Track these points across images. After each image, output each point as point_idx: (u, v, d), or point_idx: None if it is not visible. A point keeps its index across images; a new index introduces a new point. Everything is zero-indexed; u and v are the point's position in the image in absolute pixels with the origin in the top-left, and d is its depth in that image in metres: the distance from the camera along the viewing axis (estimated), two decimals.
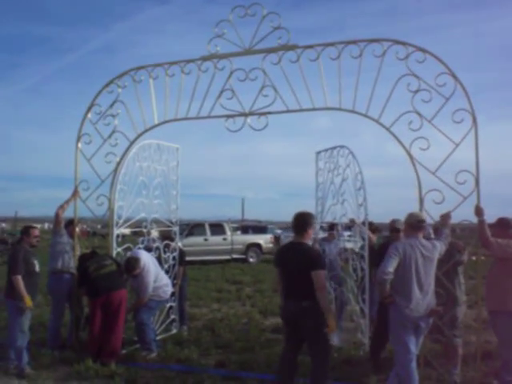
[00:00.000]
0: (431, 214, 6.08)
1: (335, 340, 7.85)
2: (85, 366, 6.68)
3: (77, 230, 7.58)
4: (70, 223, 7.66)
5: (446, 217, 5.95)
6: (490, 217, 6.31)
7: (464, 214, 6.19)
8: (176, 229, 8.72)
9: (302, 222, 5.44)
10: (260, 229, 27.85)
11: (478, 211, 5.79)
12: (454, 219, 6.14)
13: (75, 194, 7.59)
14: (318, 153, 8.64)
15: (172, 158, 8.57)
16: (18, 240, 7.20)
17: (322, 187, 8.50)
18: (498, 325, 5.89)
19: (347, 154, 7.80)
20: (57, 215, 7.51)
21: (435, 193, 5.94)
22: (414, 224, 5.41)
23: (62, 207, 7.49)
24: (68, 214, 7.70)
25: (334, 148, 8.15)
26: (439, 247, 5.46)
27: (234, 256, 23.26)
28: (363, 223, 7.46)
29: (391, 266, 5.18)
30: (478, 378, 6.06)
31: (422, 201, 6.03)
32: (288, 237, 26.91)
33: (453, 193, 5.92)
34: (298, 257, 5.27)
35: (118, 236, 7.50)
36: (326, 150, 8.41)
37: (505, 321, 5.77)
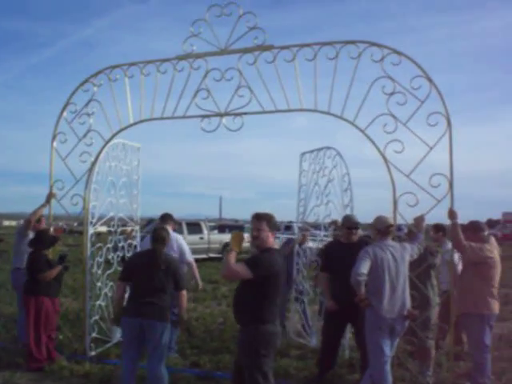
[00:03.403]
0: (405, 217, 6.09)
1: (313, 342, 7.90)
2: (58, 365, 6.66)
3: (51, 229, 7.50)
4: (37, 220, 7.59)
5: (419, 220, 5.98)
6: (465, 218, 6.37)
7: (438, 216, 6.23)
8: (137, 228, 8.68)
9: None
10: (237, 228, 27.54)
11: (452, 214, 5.82)
12: (428, 221, 6.19)
13: (49, 199, 7.52)
14: (303, 154, 8.60)
15: (134, 158, 8.55)
16: None
17: (305, 188, 8.48)
18: (469, 327, 5.95)
19: (334, 155, 7.80)
20: (29, 221, 7.45)
21: (409, 195, 5.94)
22: (383, 230, 5.43)
23: (35, 213, 7.43)
24: (44, 211, 7.64)
25: (320, 149, 8.14)
26: (410, 249, 5.50)
27: (211, 255, 23.27)
28: None
29: (364, 267, 5.20)
30: (451, 380, 6.11)
31: (395, 203, 6.04)
32: None
33: (427, 195, 5.93)
34: None
35: (92, 235, 7.45)
36: (312, 151, 8.38)
37: (476, 323, 5.84)
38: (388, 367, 5.31)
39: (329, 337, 6.34)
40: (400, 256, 5.37)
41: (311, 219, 8.40)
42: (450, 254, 6.37)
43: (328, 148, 7.97)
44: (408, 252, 5.47)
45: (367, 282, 5.24)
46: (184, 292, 5.52)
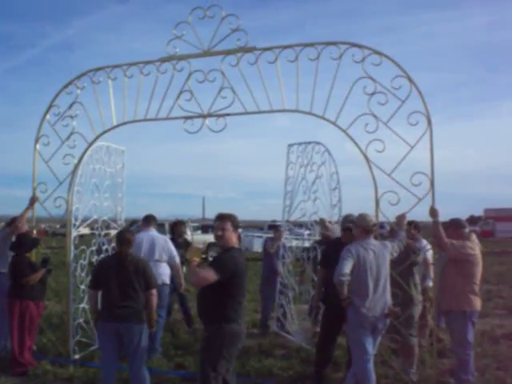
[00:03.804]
0: (387, 215, 6.14)
1: (298, 338, 7.92)
2: (42, 368, 6.62)
3: (34, 231, 7.47)
4: (13, 221, 7.53)
5: (401, 218, 6.03)
6: (447, 215, 6.43)
7: (420, 214, 6.28)
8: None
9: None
10: None
11: (433, 212, 5.87)
12: (410, 219, 6.25)
13: (32, 203, 7.48)
14: (291, 145, 8.59)
15: (119, 161, 8.55)
16: None
17: (292, 181, 8.46)
18: (452, 324, 5.99)
19: (323, 152, 7.79)
20: (16, 227, 7.35)
21: (391, 194, 5.99)
22: (367, 228, 5.46)
23: (21, 218, 7.39)
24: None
25: (309, 143, 8.14)
26: (390, 247, 5.54)
27: None
28: (336, 223, 7.46)
29: (347, 267, 5.22)
30: (434, 377, 6.15)
31: (377, 202, 6.09)
32: (248, 236, 26.89)
33: (408, 194, 5.98)
34: None
35: (75, 238, 7.43)
36: (300, 144, 8.36)
37: (459, 320, 5.87)
38: (371, 365, 5.34)
39: (327, 336, 6.33)
40: (382, 255, 5.41)
41: (298, 214, 8.39)
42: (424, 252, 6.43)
43: (317, 143, 7.96)
44: (388, 250, 5.51)
45: (349, 280, 5.27)
46: (153, 291, 5.49)
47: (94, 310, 5.63)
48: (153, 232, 7.52)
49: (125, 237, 5.54)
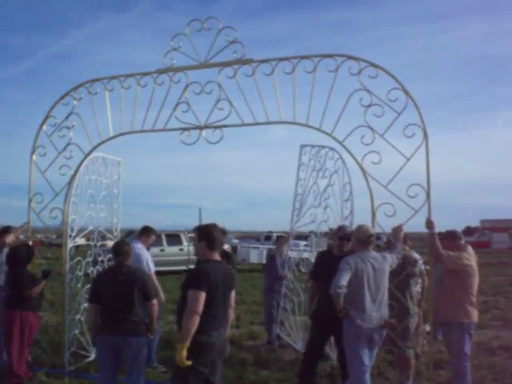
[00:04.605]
0: (383, 227, 6.16)
1: (299, 346, 7.88)
2: (38, 380, 6.58)
3: (30, 242, 7.46)
4: (5, 231, 7.50)
5: (397, 229, 6.04)
6: (443, 226, 6.45)
7: (416, 226, 6.30)
8: None
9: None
10: None
11: (429, 224, 5.88)
12: (407, 230, 6.26)
13: (24, 226, 7.55)
14: (303, 146, 8.46)
15: (115, 172, 8.57)
16: None
17: (303, 183, 8.35)
18: (449, 336, 5.98)
19: (336, 159, 7.63)
20: (4, 243, 7.34)
21: (387, 206, 6.02)
22: (364, 239, 5.46)
23: (11, 235, 7.42)
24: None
25: (323, 147, 7.99)
26: (390, 260, 5.53)
27: (191, 266, 22.97)
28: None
29: (344, 279, 5.21)
30: None
31: (374, 213, 6.11)
32: (244, 246, 26.76)
33: (405, 205, 6.00)
34: None
35: (71, 249, 7.41)
36: (313, 146, 8.24)
37: (456, 332, 5.86)
38: (367, 377, 5.32)
39: (314, 347, 6.30)
40: (381, 267, 5.39)
41: (307, 219, 8.22)
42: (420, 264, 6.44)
43: (331, 149, 7.76)
44: (388, 262, 5.51)
45: (346, 292, 5.27)
46: (154, 301, 5.40)
47: (93, 325, 5.49)
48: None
49: (121, 248, 5.48)
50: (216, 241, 4.58)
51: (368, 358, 5.34)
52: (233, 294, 4.79)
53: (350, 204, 7.29)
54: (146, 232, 7.58)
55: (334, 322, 5.69)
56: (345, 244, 6.18)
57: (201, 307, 4.25)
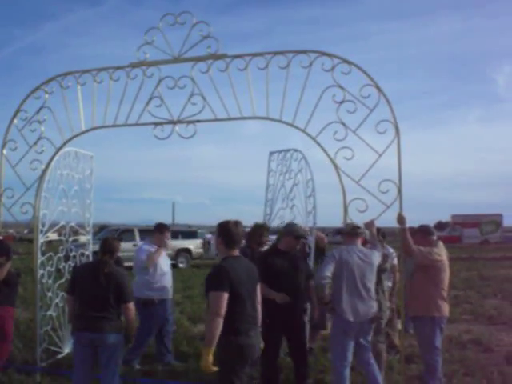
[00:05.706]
0: (355, 222, 6.18)
1: None
2: (8, 377, 6.51)
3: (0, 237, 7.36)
4: None
5: (369, 225, 6.08)
6: (415, 221, 6.51)
7: (388, 221, 6.35)
8: (89, 237, 8.61)
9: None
10: (190, 234, 26.89)
11: (401, 219, 5.92)
12: (379, 225, 6.31)
13: None
14: (272, 153, 8.65)
15: (87, 167, 8.49)
16: None
17: (273, 189, 8.51)
18: (420, 330, 6.04)
19: (300, 159, 7.82)
20: None
21: (359, 201, 6.05)
22: (350, 232, 5.54)
23: None
24: None
25: (288, 150, 8.21)
26: (378, 255, 5.64)
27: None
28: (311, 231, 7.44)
29: (328, 270, 5.28)
30: (403, 382, 6.20)
31: (346, 209, 6.14)
32: None
33: (376, 201, 6.04)
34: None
35: (42, 244, 7.32)
36: (280, 152, 8.44)
37: (428, 326, 5.91)
38: (347, 372, 5.38)
39: (271, 349, 5.65)
40: (368, 261, 5.49)
41: (277, 222, 8.31)
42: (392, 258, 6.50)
43: (295, 150, 8.01)
44: (376, 257, 5.61)
45: (332, 285, 5.32)
46: (129, 305, 5.21)
47: (71, 316, 5.40)
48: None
49: (110, 246, 5.31)
50: (233, 238, 4.45)
51: (351, 354, 5.42)
52: (258, 288, 4.64)
53: (313, 199, 7.42)
54: (157, 229, 7.48)
55: (288, 323, 5.67)
56: (298, 243, 6.22)
57: (223, 309, 4.11)
